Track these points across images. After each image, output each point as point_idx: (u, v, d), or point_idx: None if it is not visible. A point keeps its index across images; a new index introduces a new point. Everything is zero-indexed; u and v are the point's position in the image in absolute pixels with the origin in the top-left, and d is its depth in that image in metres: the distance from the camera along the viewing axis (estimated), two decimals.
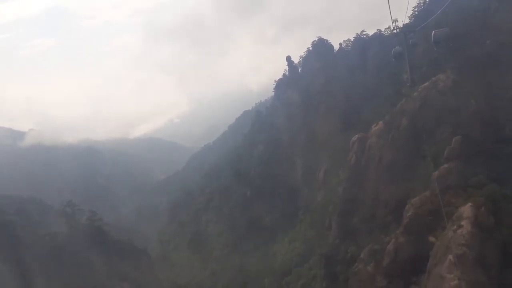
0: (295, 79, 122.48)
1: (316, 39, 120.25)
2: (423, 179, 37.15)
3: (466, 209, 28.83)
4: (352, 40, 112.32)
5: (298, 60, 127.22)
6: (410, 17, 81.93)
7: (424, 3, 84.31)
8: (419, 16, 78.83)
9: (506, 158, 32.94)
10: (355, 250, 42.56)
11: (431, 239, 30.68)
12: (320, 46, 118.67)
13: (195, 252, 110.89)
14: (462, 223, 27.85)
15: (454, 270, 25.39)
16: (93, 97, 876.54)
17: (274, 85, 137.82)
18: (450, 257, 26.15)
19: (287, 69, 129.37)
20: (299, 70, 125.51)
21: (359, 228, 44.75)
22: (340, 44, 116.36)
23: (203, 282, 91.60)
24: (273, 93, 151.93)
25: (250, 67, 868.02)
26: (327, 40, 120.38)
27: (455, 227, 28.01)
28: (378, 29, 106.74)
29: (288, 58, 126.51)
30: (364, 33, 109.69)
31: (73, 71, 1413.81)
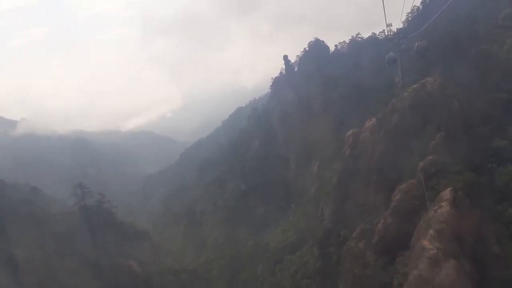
0: (291, 78, 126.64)
1: (313, 39, 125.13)
2: (410, 169, 41.85)
3: (446, 193, 33.36)
4: (347, 42, 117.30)
5: (294, 60, 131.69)
6: (404, 22, 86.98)
7: (417, 9, 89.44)
8: (413, 21, 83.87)
9: (482, 151, 38.06)
10: (348, 233, 46.97)
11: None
12: (316, 47, 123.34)
13: (190, 241, 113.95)
14: (442, 204, 32.42)
15: (433, 242, 29.88)
16: (86, 88, 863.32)
17: (271, 83, 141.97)
18: (431, 231, 30.69)
19: (283, 68, 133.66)
20: (296, 69, 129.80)
21: (351, 213, 49.23)
22: (336, 45, 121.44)
23: (197, 270, 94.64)
24: (267, 91, 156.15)
25: (245, 64, 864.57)
26: (323, 41, 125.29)
27: (436, 207, 32.59)
28: (372, 33, 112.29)
29: (285, 57, 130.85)
30: (359, 36, 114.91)
31: (66, 61, 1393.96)
